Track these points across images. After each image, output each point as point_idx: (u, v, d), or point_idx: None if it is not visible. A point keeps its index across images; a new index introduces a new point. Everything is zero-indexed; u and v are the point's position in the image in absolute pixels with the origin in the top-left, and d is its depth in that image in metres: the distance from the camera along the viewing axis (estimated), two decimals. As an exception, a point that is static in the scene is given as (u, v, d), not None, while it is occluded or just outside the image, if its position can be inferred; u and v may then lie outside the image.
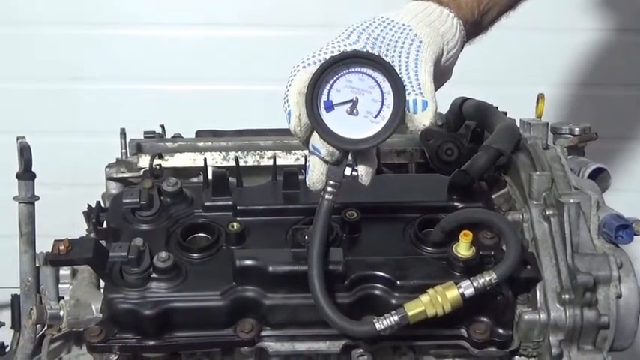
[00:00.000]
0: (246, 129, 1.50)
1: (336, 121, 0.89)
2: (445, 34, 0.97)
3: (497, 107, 1.33)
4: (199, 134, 1.49)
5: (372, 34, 0.94)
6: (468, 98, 1.40)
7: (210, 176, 1.14)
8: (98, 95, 2.26)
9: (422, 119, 0.89)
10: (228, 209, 1.10)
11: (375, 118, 0.89)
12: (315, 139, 0.90)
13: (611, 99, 2.31)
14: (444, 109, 1.44)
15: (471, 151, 1.21)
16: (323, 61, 0.89)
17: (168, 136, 1.51)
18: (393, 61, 0.91)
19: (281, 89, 0.92)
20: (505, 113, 1.31)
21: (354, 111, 0.89)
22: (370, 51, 0.92)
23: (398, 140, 1.35)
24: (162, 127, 1.51)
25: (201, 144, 1.37)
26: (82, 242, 1.02)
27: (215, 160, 1.32)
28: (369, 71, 0.88)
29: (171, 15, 2.25)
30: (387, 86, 0.88)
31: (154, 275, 0.98)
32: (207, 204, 1.10)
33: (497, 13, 1.09)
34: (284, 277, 0.98)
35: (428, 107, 0.89)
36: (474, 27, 1.05)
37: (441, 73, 0.99)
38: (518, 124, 1.25)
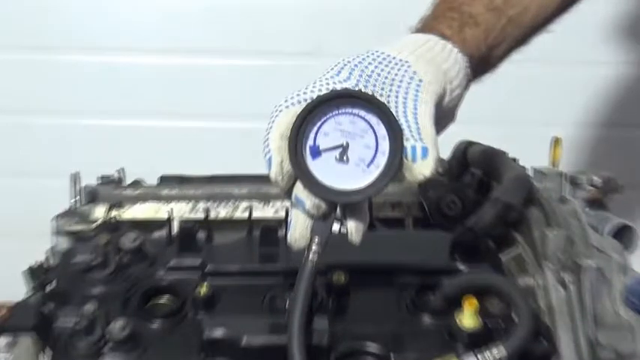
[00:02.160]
0: (218, 174, 1.50)
1: (324, 170, 0.89)
2: (448, 72, 0.98)
3: (506, 153, 1.34)
4: (164, 180, 1.49)
5: (366, 70, 0.95)
6: (473, 142, 1.41)
7: (175, 230, 1.14)
8: (47, 132, 2.26)
9: (422, 169, 0.90)
10: (196, 269, 1.09)
11: (367, 166, 0.90)
12: (299, 190, 0.91)
13: (638, 141, 2.33)
14: (446, 154, 1.45)
15: (476, 204, 1.21)
16: (309, 101, 0.90)
17: (128, 181, 1.51)
18: (389, 102, 0.92)
19: (260, 127, 0.92)
20: (515, 160, 1.32)
21: (344, 158, 0.90)
22: (363, 90, 0.93)
23: (392, 191, 1.36)
24: (122, 170, 1.51)
25: (165, 192, 1.37)
26: (23, 308, 1.01)
27: (182, 211, 1.32)
28: (362, 113, 0.89)
29: (134, 40, 2.26)
30: (381, 130, 0.89)
31: (108, 346, 0.97)
32: (172, 263, 1.10)
33: (507, 47, 1.11)
34: (260, 351, 0.97)
35: (428, 155, 0.89)
36: (481, 63, 1.07)
37: (443, 116, 1.00)
38: (530, 172, 1.26)
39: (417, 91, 0.94)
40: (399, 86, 0.94)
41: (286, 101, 0.92)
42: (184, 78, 2.26)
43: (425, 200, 1.30)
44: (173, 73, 2.27)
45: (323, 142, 0.89)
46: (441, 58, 0.99)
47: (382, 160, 0.89)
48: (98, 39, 2.25)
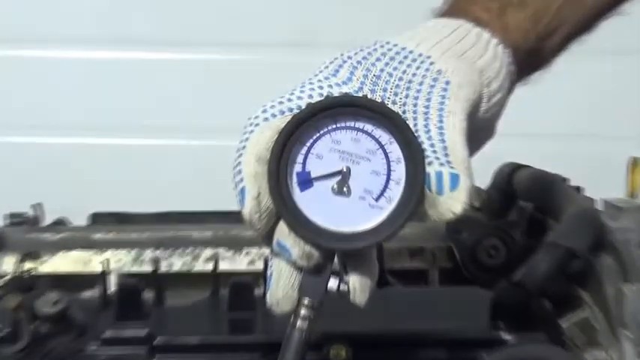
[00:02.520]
0: (171, 211, 1.50)
1: (316, 205, 0.89)
2: (485, 71, 0.99)
3: (565, 179, 1.34)
4: (97, 219, 1.49)
5: (373, 69, 0.95)
6: (521, 165, 1.41)
7: (112, 289, 1.13)
8: None
9: (451, 203, 0.89)
10: (141, 342, 1.09)
11: (376, 200, 0.89)
12: (283, 233, 0.90)
13: None
14: (484, 181, 1.45)
15: (526, 251, 1.22)
16: (296, 111, 0.90)
17: (48, 220, 1.51)
18: (404, 112, 0.92)
19: (229, 146, 0.93)
20: (579, 189, 1.32)
21: (345, 189, 0.90)
22: (370, 95, 0.93)
23: (411, 233, 1.36)
24: (38, 206, 1.51)
25: (98, 236, 1.38)
26: None
27: (121, 262, 1.32)
28: (368, 127, 0.89)
29: (65, 29, 2.26)
30: (395, 151, 0.89)
31: None
32: (108, 334, 1.10)
33: (564, 35, 1.11)
34: None
35: (459, 184, 0.89)
36: (530, 57, 1.07)
37: (479, 130, 1.00)
38: (599, 206, 1.26)
39: (442, 97, 0.93)
40: (418, 90, 0.94)
41: (265, 111, 0.92)
42: (126, 78, 2.27)
43: (456, 246, 1.30)
44: (113, 71, 2.27)
45: (315, 168, 0.89)
46: (476, 52, 0.99)
47: (396, 191, 0.89)
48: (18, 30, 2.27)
